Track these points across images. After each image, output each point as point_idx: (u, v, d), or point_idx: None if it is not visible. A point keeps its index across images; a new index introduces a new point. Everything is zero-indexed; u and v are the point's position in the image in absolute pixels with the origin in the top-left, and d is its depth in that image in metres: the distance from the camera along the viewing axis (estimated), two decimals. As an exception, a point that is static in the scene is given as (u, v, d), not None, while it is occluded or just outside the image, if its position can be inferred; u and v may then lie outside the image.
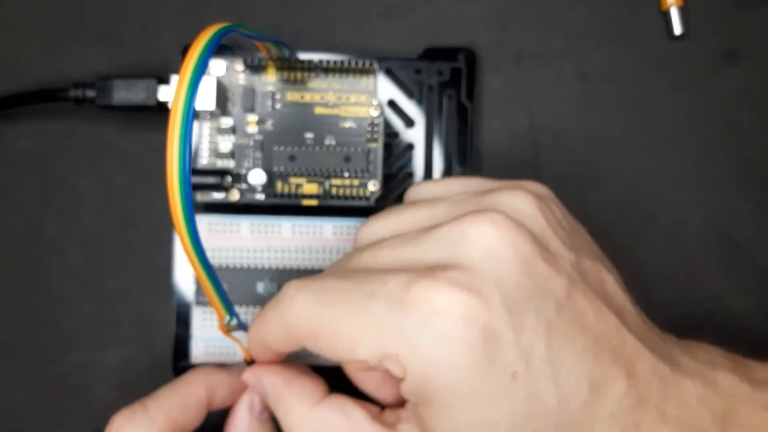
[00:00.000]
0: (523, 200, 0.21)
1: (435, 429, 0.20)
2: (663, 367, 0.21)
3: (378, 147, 0.29)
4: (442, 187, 0.24)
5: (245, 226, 0.28)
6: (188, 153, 0.19)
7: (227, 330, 0.25)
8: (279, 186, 0.29)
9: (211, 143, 0.29)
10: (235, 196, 0.28)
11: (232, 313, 0.24)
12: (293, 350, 0.23)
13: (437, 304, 0.19)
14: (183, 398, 0.25)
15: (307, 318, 0.21)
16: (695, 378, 0.22)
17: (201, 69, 0.20)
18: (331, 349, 0.21)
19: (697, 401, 0.21)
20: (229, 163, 0.29)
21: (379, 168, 0.29)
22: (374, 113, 0.29)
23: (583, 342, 0.20)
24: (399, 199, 0.29)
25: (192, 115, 0.19)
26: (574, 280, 0.21)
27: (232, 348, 0.28)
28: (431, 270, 0.20)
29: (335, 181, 0.29)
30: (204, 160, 0.29)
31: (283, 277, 0.28)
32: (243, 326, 0.25)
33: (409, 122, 0.29)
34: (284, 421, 0.23)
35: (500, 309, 0.19)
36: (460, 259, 0.20)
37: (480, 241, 0.20)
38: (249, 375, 0.25)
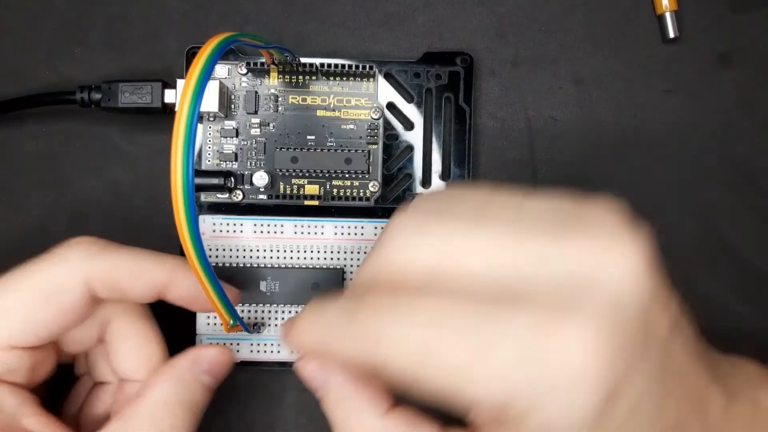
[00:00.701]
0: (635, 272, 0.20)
1: None
2: (725, 401, 0.22)
3: (378, 149, 0.29)
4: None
5: (248, 226, 0.29)
6: (191, 161, 0.19)
7: (230, 330, 0.25)
8: (281, 187, 0.29)
9: (215, 145, 0.29)
10: (238, 196, 0.29)
11: (235, 318, 0.24)
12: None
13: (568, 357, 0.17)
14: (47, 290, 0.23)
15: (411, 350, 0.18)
16: (748, 405, 0.22)
17: (205, 78, 0.20)
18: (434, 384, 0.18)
19: (748, 424, 0.22)
20: (233, 165, 0.29)
21: (378, 169, 0.29)
22: (374, 116, 0.29)
23: (675, 392, 0.20)
24: (398, 200, 0.29)
25: (196, 121, 0.20)
26: (672, 320, 0.20)
27: (237, 347, 0.29)
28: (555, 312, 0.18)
29: (336, 182, 0.29)
30: (208, 162, 0.29)
31: (285, 276, 0.28)
32: (246, 328, 0.26)
33: (409, 125, 0.30)
34: (343, 425, 0.22)
35: (623, 368, 0.18)
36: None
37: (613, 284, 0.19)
38: (313, 368, 0.22)
